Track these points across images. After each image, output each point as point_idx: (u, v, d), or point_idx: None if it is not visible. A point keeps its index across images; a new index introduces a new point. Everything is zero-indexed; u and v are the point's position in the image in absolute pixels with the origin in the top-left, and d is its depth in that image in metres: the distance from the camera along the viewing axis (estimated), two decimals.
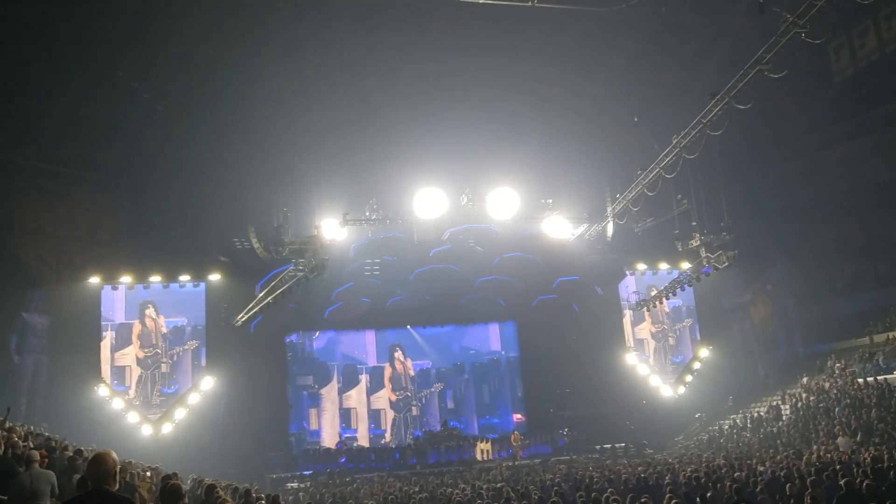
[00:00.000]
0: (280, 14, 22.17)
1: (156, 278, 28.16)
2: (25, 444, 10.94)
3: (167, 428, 27.19)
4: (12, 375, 24.05)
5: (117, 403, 26.96)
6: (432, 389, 32.87)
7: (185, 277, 28.36)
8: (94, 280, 27.39)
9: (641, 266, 32.32)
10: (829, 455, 16.78)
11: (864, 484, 10.76)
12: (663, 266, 32.27)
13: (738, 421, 26.83)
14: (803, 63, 26.15)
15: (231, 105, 25.35)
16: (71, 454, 11.39)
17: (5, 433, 11.15)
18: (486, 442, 30.44)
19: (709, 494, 11.86)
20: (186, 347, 28.51)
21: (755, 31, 23.09)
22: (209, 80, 23.83)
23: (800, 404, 25.06)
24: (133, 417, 27.02)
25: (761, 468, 15.11)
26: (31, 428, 17.63)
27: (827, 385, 25.13)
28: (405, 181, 26.25)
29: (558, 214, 26.77)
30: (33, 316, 24.79)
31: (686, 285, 27.70)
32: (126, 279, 27.79)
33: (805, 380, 26.61)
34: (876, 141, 26.27)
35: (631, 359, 32.35)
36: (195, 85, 23.70)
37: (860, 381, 24.11)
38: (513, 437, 29.68)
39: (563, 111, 27.52)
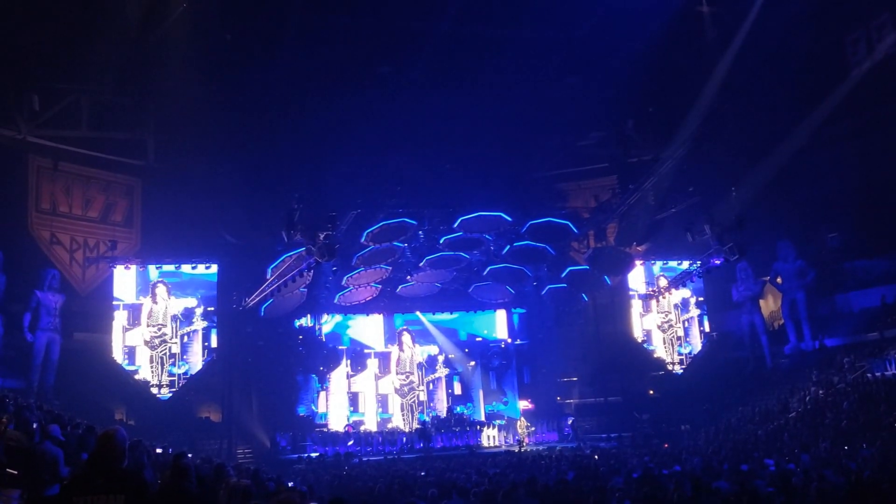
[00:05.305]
0: (296, 4, 22.20)
1: (168, 259, 28.40)
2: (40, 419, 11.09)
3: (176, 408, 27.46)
4: (25, 353, 24.28)
5: (128, 382, 27.23)
6: (439, 375, 32.99)
7: (197, 259, 28.58)
8: (107, 260, 27.64)
9: (651, 257, 32.27)
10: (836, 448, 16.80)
11: (872, 478, 10.78)
12: (673, 257, 32.23)
13: (745, 413, 26.81)
14: (819, 56, 26.04)
15: (248, 88, 25.41)
16: (81, 432, 11.53)
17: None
18: (493, 428, 30.62)
19: (714, 485, 11.89)
20: (195, 327, 28.76)
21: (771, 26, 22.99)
22: (226, 61, 23.87)
23: (808, 398, 25.02)
24: (143, 397, 27.28)
25: (768, 460, 15.13)
26: (43, 405, 17.84)
27: (836, 379, 25.09)
28: (418, 169, 26.34)
29: (570, 204, 26.76)
30: (47, 294, 24.96)
31: (696, 277, 27.67)
32: (139, 260, 28.04)
33: (814, 374, 26.54)
34: (891, 136, 26.07)
35: (638, 349, 32.29)
36: (212, 66, 23.72)
37: (869, 375, 24.06)
38: (519, 424, 29.84)
39: (573, 102, 27.49)
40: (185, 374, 28.54)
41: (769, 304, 32.85)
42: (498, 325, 34.42)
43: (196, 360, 28.79)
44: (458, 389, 33.23)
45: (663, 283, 31.44)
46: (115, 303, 27.99)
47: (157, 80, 24.15)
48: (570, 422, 30.70)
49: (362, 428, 30.71)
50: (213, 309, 28.98)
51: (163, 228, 27.83)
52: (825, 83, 26.07)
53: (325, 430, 30.00)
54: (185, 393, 28.31)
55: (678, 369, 33.32)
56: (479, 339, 34.07)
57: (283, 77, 24.79)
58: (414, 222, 26.32)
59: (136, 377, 27.79)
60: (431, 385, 32.87)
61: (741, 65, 25.49)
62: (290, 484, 12.04)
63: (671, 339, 33.66)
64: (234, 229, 28.02)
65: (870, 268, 29.40)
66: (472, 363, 33.38)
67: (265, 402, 29.39)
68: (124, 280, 28.22)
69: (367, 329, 32.74)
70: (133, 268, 28.25)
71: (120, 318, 28.04)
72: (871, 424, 20.43)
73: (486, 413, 32.75)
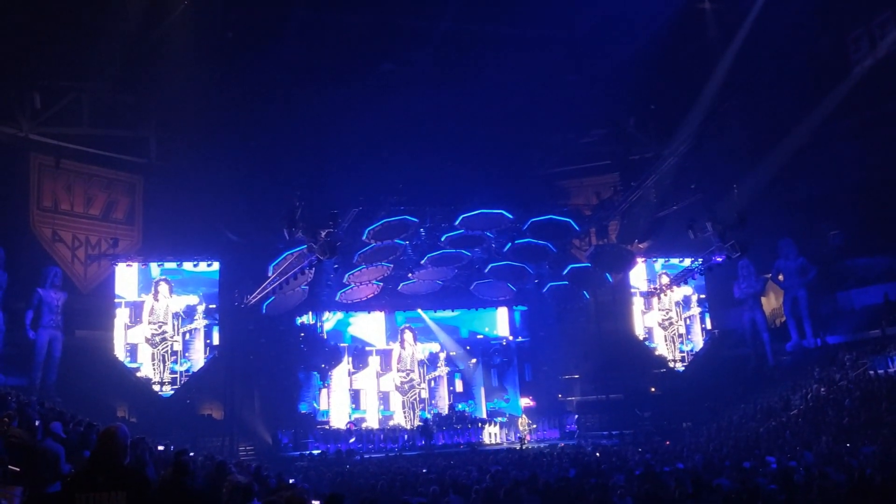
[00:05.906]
0: (298, 2, 22.18)
1: (170, 257, 28.43)
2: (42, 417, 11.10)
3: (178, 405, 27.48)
4: (28, 351, 24.32)
5: (130, 379, 27.26)
6: (441, 372, 33.01)
7: (198, 257, 28.61)
8: (109, 257, 27.68)
9: (653, 254, 32.24)
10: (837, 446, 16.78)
11: (874, 476, 10.77)
12: (675, 254, 32.19)
13: (746, 410, 26.80)
14: (821, 53, 26.01)
15: (249, 86, 25.42)
16: (83, 429, 11.54)
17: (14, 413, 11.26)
18: (494, 425, 30.61)
19: (716, 482, 11.89)
20: (197, 325, 28.79)
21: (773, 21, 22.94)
22: (228, 59, 23.87)
23: (810, 395, 25.00)
24: (145, 394, 27.31)
25: (770, 458, 15.12)
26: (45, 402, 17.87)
27: (837, 377, 25.07)
28: (420, 166, 26.33)
29: (571, 201, 26.73)
30: (49, 292, 25.01)
31: (697, 274, 27.64)
32: (140, 257, 28.07)
33: (816, 371, 26.52)
34: (893, 133, 26.02)
35: (640, 346, 32.25)
36: (214, 64, 23.73)
37: (871, 373, 24.03)
38: (521, 422, 29.84)
39: (575, 99, 27.48)
40: (187, 371, 28.58)
41: (771, 302, 32.83)
42: (499, 322, 34.44)
43: (198, 358, 28.83)
44: (459, 387, 33.24)
45: (665, 280, 31.41)
46: (116, 300, 28.03)
47: (159, 78, 24.16)
48: (575, 418, 30.71)
49: (364, 425, 30.72)
50: (214, 306, 29.02)
51: (164, 226, 27.87)
52: (827, 81, 26.03)
53: (327, 427, 30.02)
54: (187, 390, 28.34)
55: (680, 367, 33.31)
56: (481, 336, 34.08)
57: (284, 74, 24.79)
58: (415, 220, 26.31)
59: (138, 374, 27.83)
60: (433, 382, 32.89)
61: (743, 62, 25.45)
62: (290, 481, 12.05)
63: (673, 337, 33.65)
64: (235, 227, 28.04)
65: (871, 265, 29.38)
66: (474, 360, 33.40)
67: (267, 400, 29.42)
68: (126, 277, 28.26)
69: (369, 326, 32.76)
70: (135, 265, 28.29)
71: (122, 315, 28.08)
72: (872, 422, 20.40)
73: (487, 410, 32.76)
